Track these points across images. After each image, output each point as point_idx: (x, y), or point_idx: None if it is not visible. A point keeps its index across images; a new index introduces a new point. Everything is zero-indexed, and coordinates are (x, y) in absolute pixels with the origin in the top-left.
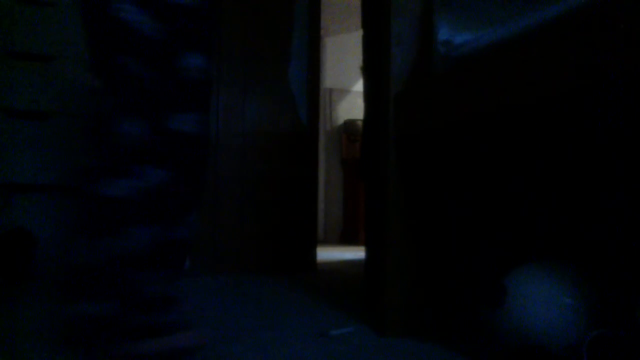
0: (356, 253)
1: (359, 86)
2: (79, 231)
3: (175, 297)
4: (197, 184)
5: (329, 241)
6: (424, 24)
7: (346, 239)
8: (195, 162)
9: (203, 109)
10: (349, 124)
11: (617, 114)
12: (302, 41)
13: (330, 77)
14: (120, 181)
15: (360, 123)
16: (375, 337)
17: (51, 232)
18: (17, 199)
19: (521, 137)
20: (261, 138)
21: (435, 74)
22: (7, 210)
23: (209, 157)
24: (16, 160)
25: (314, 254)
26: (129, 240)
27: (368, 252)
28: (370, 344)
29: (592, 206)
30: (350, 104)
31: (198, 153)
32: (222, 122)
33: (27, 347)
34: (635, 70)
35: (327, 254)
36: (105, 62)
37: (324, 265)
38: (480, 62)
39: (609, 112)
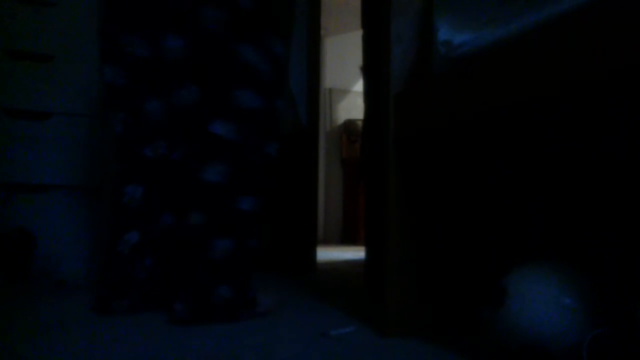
0: (356, 253)
1: (359, 86)
2: (205, 233)
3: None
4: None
5: (329, 241)
6: (424, 24)
7: (346, 239)
8: (269, 180)
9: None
10: (349, 124)
11: (620, 114)
12: (302, 41)
13: (330, 77)
14: (249, 198)
15: (360, 123)
16: (375, 338)
17: (51, 232)
18: (17, 199)
19: (522, 137)
20: None
21: (435, 74)
22: (7, 210)
23: None
24: (16, 160)
25: (313, 254)
26: (248, 238)
27: (368, 252)
28: (371, 344)
29: (592, 206)
30: (350, 104)
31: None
32: None
33: (27, 347)
34: (636, 70)
35: (327, 254)
36: (223, 94)
37: (324, 265)
38: (480, 62)
39: (612, 112)
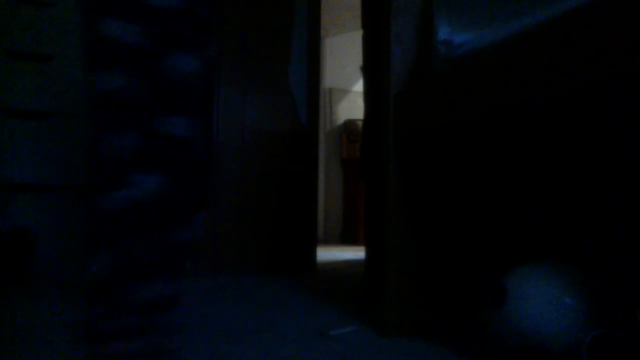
0: (356, 253)
1: (359, 86)
2: (85, 243)
3: (172, 299)
4: (197, 186)
5: (329, 241)
6: (424, 24)
7: (346, 239)
8: (191, 164)
9: (195, 111)
10: (349, 124)
11: (619, 114)
12: (302, 41)
13: (330, 77)
14: (117, 194)
15: (360, 123)
16: (375, 337)
17: (51, 232)
18: (17, 199)
19: (521, 137)
20: (261, 138)
21: (435, 74)
22: (7, 210)
23: (209, 159)
24: (16, 160)
25: (314, 254)
26: (129, 250)
27: (368, 252)
28: (370, 344)
29: (592, 206)
30: (350, 104)
31: (193, 155)
32: (222, 122)
33: (28, 347)
34: (635, 71)
35: (327, 254)
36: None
37: (324, 265)
38: (480, 62)
39: (611, 113)
